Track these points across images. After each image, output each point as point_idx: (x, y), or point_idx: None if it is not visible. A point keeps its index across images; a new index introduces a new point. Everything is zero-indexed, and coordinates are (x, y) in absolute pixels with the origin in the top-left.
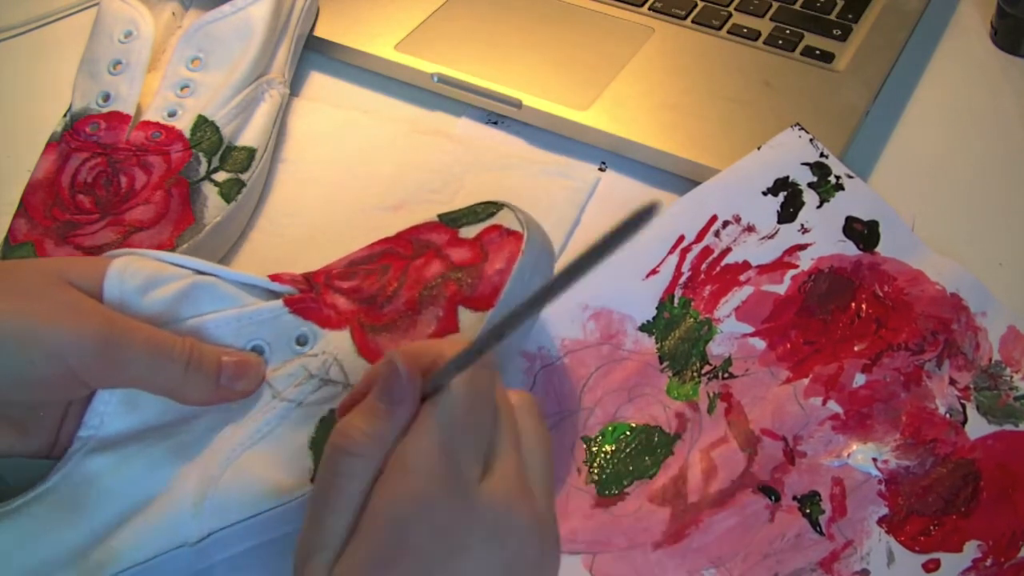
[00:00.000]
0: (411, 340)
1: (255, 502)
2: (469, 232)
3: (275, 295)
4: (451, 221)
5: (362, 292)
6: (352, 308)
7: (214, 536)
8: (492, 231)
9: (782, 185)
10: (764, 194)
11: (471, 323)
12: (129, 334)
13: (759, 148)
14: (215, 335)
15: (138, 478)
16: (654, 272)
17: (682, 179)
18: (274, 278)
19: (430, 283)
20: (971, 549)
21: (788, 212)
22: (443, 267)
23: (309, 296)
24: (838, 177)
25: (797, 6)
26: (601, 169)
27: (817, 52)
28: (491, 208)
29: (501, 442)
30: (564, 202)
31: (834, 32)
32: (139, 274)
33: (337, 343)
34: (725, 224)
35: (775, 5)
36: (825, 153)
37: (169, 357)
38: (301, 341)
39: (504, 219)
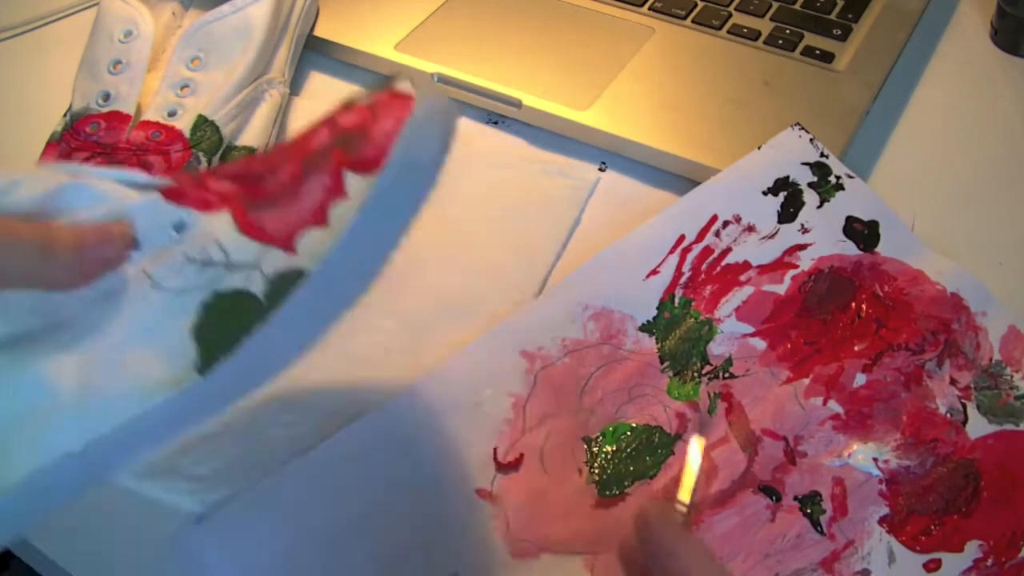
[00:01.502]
0: (295, 211)
1: (140, 399)
2: (361, 101)
3: (154, 188)
4: (347, 102)
5: (246, 174)
6: (234, 189)
7: (99, 442)
8: (383, 95)
9: (782, 185)
10: (764, 194)
11: (359, 187)
12: None
13: (759, 148)
14: None
15: (14, 387)
16: (655, 272)
17: (682, 179)
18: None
19: (315, 152)
20: (972, 549)
21: (788, 212)
22: (330, 135)
23: (187, 181)
24: (838, 177)
25: (797, 6)
26: (601, 169)
27: (817, 52)
28: (386, 81)
29: None
30: (564, 202)
31: (834, 32)
32: (2, 175)
33: (216, 224)
34: (725, 224)
35: (775, 5)
36: (825, 153)
37: (18, 238)
38: (178, 228)
39: (397, 84)
